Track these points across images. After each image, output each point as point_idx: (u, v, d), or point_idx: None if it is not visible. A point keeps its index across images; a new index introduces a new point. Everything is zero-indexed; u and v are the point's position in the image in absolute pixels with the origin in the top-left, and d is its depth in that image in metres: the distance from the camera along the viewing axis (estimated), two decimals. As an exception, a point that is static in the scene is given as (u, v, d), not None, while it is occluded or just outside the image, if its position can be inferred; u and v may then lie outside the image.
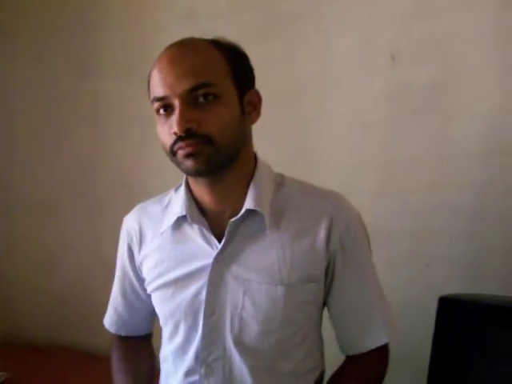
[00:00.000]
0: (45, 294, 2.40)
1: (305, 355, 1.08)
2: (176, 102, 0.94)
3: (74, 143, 2.29)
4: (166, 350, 1.14)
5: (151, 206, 1.18)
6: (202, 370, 1.04)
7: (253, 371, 1.03)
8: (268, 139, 1.81)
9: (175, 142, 0.95)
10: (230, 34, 1.05)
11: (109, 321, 1.28)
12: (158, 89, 0.96)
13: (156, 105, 0.97)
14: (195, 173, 0.99)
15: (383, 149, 1.76)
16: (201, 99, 0.94)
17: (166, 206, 1.14)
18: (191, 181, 1.07)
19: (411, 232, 1.70)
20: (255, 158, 1.09)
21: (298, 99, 1.88)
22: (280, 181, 1.09)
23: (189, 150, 0.94)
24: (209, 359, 1.04)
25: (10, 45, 2.35)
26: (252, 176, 1.05)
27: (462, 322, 1.26)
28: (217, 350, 1.03)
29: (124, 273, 1.21)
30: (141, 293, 1.20)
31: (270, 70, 1.84)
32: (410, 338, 1.43)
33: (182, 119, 0.93)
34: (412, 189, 1.70)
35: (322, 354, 1.15)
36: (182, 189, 1.10)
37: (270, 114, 1.77)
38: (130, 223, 1.19)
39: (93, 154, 2.27)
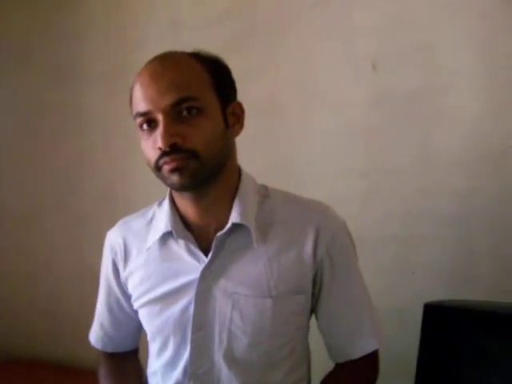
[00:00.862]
0: (29, 306, 2.37)
1: (293, 366, 1.08)
2: (159, 117, 0.93)
3: (58, 155, 2.28)
4: (155, 366, 1.12)
5: (135, 221, 1.16)
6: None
7: (241, 380, 1.02)
8: (252, 150, 1.81)
9: (160, 157, 0.94)
10: (211, 46, 1.05)
11: (95, 336, 1.26)
12: (141, 104, 0.95)
13: (139, 120, 0.97)
14: (180, 187, 0.98)
15: (368, 156, 1.77)
16: (184, 113, 0.94)
17: (150, 221, 1.13)
18: (176, 195, 1.07)
19: (397, 238, 1.71)
20: (239, 170, 1.09)
21: (282, 109, 1.89)
22: (264, 192, 1.09)
23: (174, 164, 0.93)
24: (198, 373, 1.03)
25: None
26: (236, 189, 1.05)
27: (447, 328, 1.27)
28: (206, 364, 1.03)
29: (109, 289, 1.19)
30: (127, 308, 1.18)
31: (251, 80, 1.84)
32: (396, 344, 1.43)
33: (167, 134, 0.92)
34: (397, 196, 1.71)
35: (309, 365, 1.15)
36: (166, 203, 1.09)
37: (254, 125, 1.78)
38: (113, 238, 1.17)
39: (77, 166, 2.26)
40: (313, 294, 1.07)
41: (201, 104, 0.95)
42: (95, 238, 1.32)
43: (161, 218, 1.08)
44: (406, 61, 1.70)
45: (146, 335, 1.16)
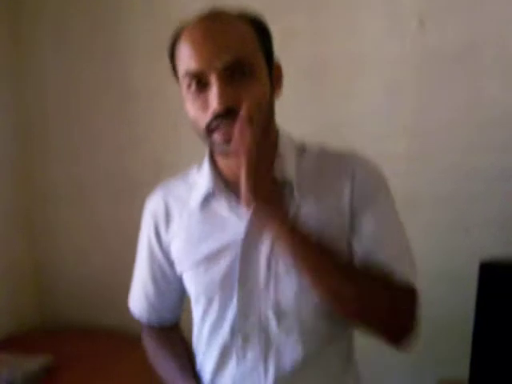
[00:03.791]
0: (82, 277, 2.45)
1: (342, 318, 1.04)
2: (213, 78, 0.90)
3: (104, 129, 2.31)
4: (200, 331, 1.12)
5: (174, 185, 1.16)
6: (239, 341, 1.04)
7: (290, 338, 1.02)
8: (299, 112, 1.81)
9: (213, 120, 0.92)
10: (254, 7, 1.03)
11: (139, 308, 1.24)
12: (192, 63, 0.91)
13: (187, 79, 0.93)
14: (232, 154, 0.96)
15: (415, 114, 1.73)
16: (237, 75, 0.91)
17: (191, 184, 1.12)
18: (217, 155, 1.06)
19: (449, 196, 1.68)
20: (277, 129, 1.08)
21: (326, 70, 1.85)
22: (302, 148, 1.08)
23: (229, 135, 0.91)
24: (245, 329, 1.03)
25: (35, 29, 2.34)
26: (276, 146, 1.04)
27: (504, 287, 1.24)
28: (253, 319, 1.02)
29: (152, 257, 1.18)
30: (171, 276, 1.17)
31: (296, 43, 1.83)
32: (451, 304, 1.42)
33: (222, 96, 0.89)
34: (447, 153, 1.67)
35: None
36: (206, 165, 1.08)
37: (300, 88, 1.76)
38: (154, 203, 1.16)
39: (123, 139, 2.28)
40: (350, 240, 1.03)
41: (253, 66, 0.93)
42: (143, 208, 1.33)
43: (202, 179, 1.08)
44: (453, 14, 1.64)
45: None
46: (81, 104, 2.33)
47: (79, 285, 2.46)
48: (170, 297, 1.21)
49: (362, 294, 0.96)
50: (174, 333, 1.26)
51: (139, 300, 1.23)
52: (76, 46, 2.29)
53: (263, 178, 0.93)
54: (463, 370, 1.26)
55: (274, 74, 1.01)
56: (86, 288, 2.45)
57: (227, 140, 0.92)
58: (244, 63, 0.91)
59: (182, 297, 1.20)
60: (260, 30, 0.98)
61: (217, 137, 0.94)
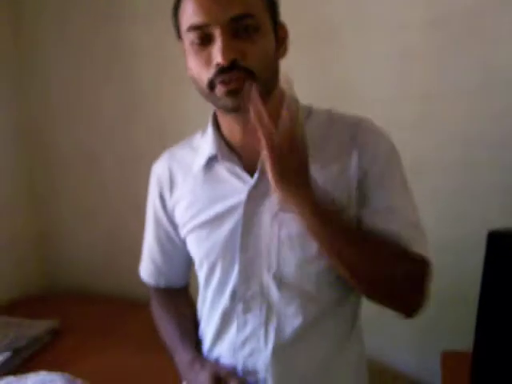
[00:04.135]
0: (88, 243, 2.47)
1: (345, 285, 1.02)
2: (217, 31, 0.89)
3: (110, 95, 2.28)
4: (204, 295, 1.13)
5: (179, 150, 1.16)
6: (240, 307, 1.04)
7: (291, 305, 1.01)
8: (305, 74, 1.78)
9: (217, 75, 0.90)
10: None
11: (147, 273, 1.26)
12: (196, 16, 0.90)
13: (191, 34, 0.92)
14: (234, 110, 0.94)
15: (424, 79, 1.70)
16: (241, 30, 0.90)
17: (195, 148, 1.12)
18: (221, 118, 1.04)
19: (456, 163, 1.66)
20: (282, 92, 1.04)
21: (335, 32, 1.82)
22: (308, 111, 1.05)
23: (231, 86, 0.90)
24: (246, 296, 1.03)
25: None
26: (281, 108, 1.01)
27: (513, 257, 1.22)
28: (254, 287, 1.02)
29: (157, 221, 1.19)
30: (176, 240, 1.18)
31: (304, 4, 1.77)
32: (459, 272, 1.40)
33: (227, 48, 0.88)
34: (455, 119, 1.64)
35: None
36: (210, 129, 1.07)
37: (310, 51, 1.72)
38: (159, 170, 1.17)
39: (129, 105, 2.26)
40: (360, 211, 1.01)
41: (258, 22, 0.91)
42: (149, 174, 1.32)
43: (205, 143, 1.07)
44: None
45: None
46: (86, 73, 2.31)
47: (83, 251, 2.49)
48: (177, 261, 1.23)
49: (378, 266, 0.95)
50: (181, 297, 1.27)
51: (147, 264, 1.25)
52: (78, 39, 2.28)
53: (288, 160, 0.86)
54: (468, 342, 1.25)
55: (279, 35, 0.99)
56: (90, 254, 2.47)
57: (231, 92, 0.90)
58: (249, 18, 0.90)
59: (190, 261, 1.20)
60: None
61: (220, 89, 0.91)
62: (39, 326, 1.94)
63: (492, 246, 1.22)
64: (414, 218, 1.01)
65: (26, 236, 2.49)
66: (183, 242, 1.16)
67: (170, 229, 1.17)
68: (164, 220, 1.17)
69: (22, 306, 2.28)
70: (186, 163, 1.12)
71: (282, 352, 1.02)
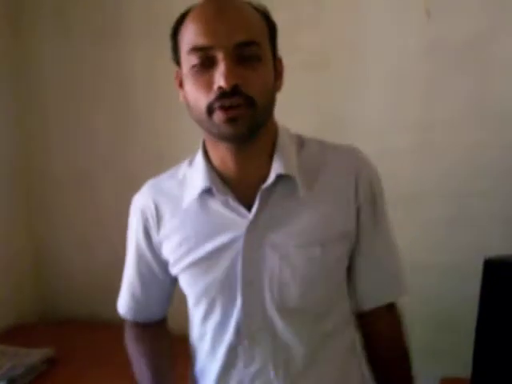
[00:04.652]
0: (85, 270, 2.45)
1: (344, 313, 1.07)
2: (220, 55, 0.87)
3: (104, 117, 2.29)
4: (201, 331, 1.09)
5: (165, 183, 1.11)
6: (246, 342, 1.02)
7: (296, 335, 1.01)
8: (303, 103, 1.79)
9: (217, 99, 0.88)
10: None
11: (126, 308, 1.20)
12: (201, 38, 0.88)
13: (193, 56, 0.89)
14: (234, 137, 0.92)
15: (421, 108, 1.71)
16: (245, 57, 0.88)
17: (182, 180, 1.07)
18: (213, 149, 1.01)
19: (455, 193, 1.65)
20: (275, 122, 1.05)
21: (330, 61, 1.83)
22: (300, 142, 1.05)
23: (231, 114, 0.88)
24: (252, 330, 1.01)
25: (34, 18, 2.33)
26: (274, 141, 1.01)
27: (508, 285, 1.22)
28: (258, 319, 1.01)
29: (140, 257, 1.14)
30: (160, 276, 1.14)
31: (299, 33, 1.80)
32: (455, 299, 1.40)
33: (231, 73, 0.86)
34: (452, 149, 1.64)
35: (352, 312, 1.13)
36: (200, 160, 1.03)
37: (305, 78, 1.73)
38: (143, 202, 1.11)
39: (122, 128, 2.26)
40: (355, 239, 1.04)
41: (261, 51, 0.91)
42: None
43: (196, 175, 1.03)
44: (461, 5, 1.61)
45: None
46: (81, 95, 2.31)
47: (79, 277, 2.46)
48: (158, 296, 1.18)
49: None
50: (158, 329, 1.23)
51: (126, 299, 1.20)
52: (76, 36, 2.27)
53: None
54: (466, 368, 1.25)
55: (277, 68, 0.99)
56: (86, 280, 2.44)
57: (230, 119, 0.88)
58: (254, 46, 0.89)
59: (170, 295, 1.18)
60: (267, 19, 0.96)
61: (218, 116, 0.89)
62: (35, 355, 1.92)
63: (488, 273, 1.23)
64: (397, 263, 1.09)
65: (22, 262, 2.46)
66: (167, 278, 1.13)
67: (153, 264, 1.13)
68: (148, 256, 1.12)
69: (18, 334, 2.24)
70: (174, 196, 1.07)
71: (294, 383, 1.02)
